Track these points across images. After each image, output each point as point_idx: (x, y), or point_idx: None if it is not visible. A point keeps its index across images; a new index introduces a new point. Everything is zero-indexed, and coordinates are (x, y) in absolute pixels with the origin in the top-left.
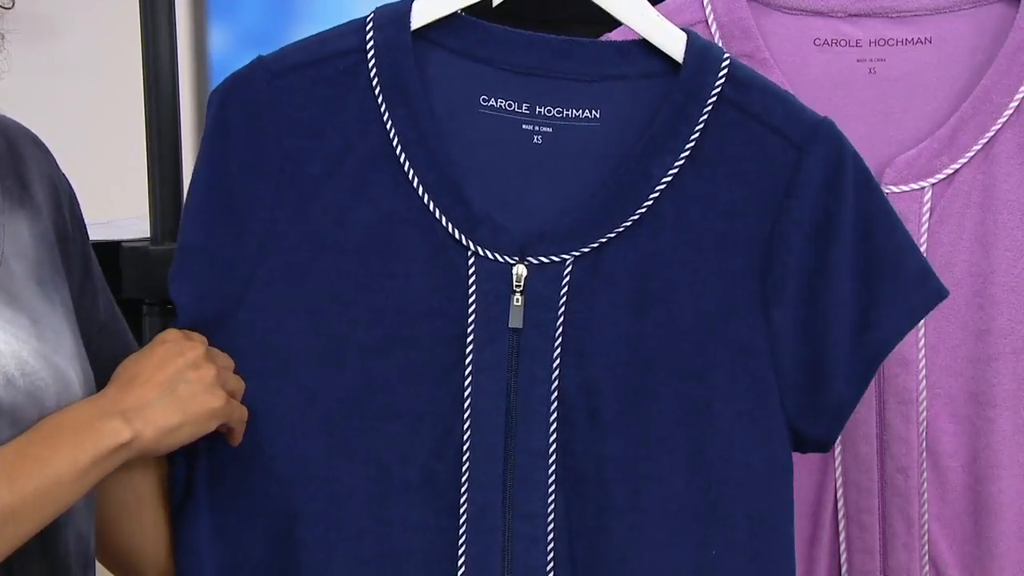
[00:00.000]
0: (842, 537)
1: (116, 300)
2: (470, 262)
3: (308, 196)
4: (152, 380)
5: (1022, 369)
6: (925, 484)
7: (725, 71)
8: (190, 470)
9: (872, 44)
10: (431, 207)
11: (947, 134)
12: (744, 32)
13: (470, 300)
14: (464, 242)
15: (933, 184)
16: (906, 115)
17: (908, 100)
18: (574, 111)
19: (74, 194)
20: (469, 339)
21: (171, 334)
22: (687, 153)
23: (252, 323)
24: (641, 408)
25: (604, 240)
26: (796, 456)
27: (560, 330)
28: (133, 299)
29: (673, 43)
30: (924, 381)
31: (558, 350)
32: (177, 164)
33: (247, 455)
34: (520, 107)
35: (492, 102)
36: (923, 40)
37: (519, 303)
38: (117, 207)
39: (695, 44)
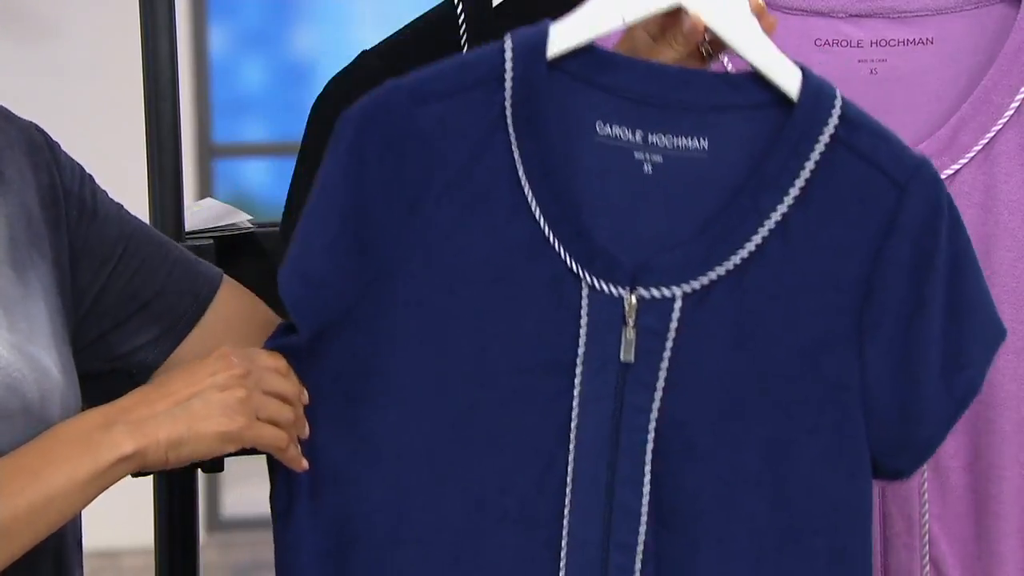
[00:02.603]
0: None
1: None
2: (583, 293)
3: (433, 225)
4: (172, 394)
5: (1023, 369)
6: (926, 484)
7: (839, 110)
8: (290, 491)
9: (873, 44)
10: (551, 240)
11: (948, 134)
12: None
13: (581, 331)
14: (580, 274)
15: None
16: (907, 115)
17: (909, 100)
18: (684, 140)
19: (53, 142)
20: (578, 370)
21: (221, 350)
22: (796, 191)
23: (357, 345)
24: (732, 442)
25: (714, 276)
26: None
27: (666, 364)
28: None
29: (788, 78)
30: None
31: (662, 383)
32: (177, 164)
33: (347, 479)
34: (634, 135)
35: (608, 130)
36: (924, 40)
37: (632, 336)
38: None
39: (811, 81)
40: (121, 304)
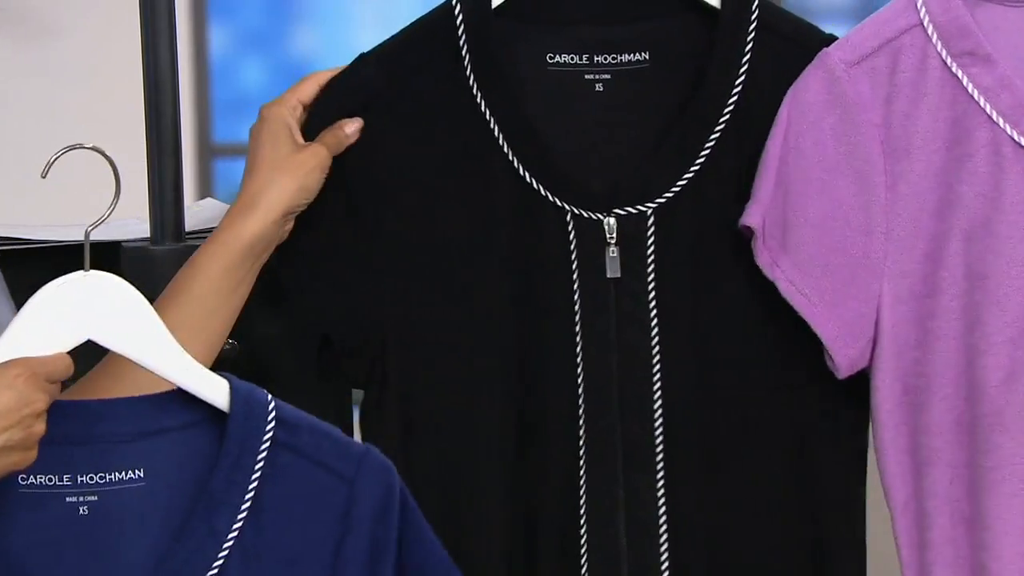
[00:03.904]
0: None
1: None
2: None
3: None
4: None
5: None
6: None
7: (273, 414)
8: None
9: None
10: None
11: None
12: (962, 30)
13: None
14: None
15: None
16: None
17: None
18: (119, 474)
19: None
20: None
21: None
22: (247, 504)
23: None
24: None
25: None
26: None
27: None
28: None
29: (215, 391)
30: None
31: None
32: (177, 164)
33: None
34: (62, 479)
35: (34, 479)
36: None
37: None
38: (117, 207)
39: (239, 390)
40: None
